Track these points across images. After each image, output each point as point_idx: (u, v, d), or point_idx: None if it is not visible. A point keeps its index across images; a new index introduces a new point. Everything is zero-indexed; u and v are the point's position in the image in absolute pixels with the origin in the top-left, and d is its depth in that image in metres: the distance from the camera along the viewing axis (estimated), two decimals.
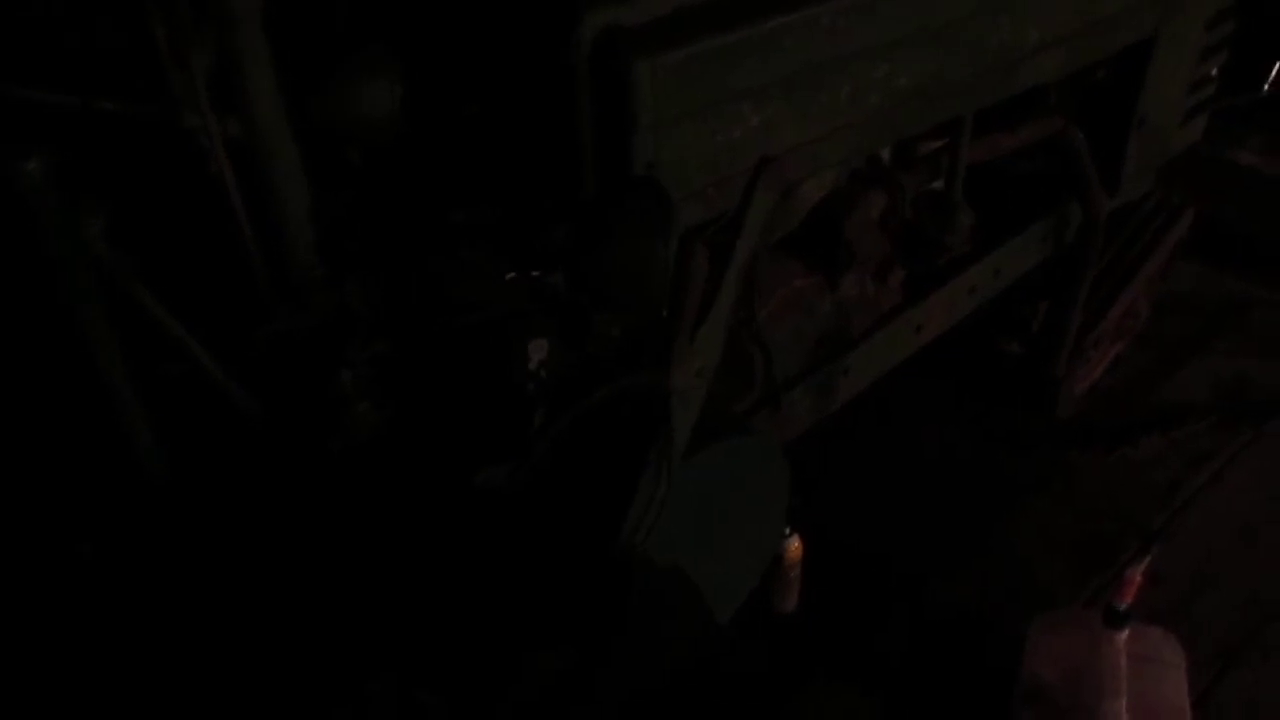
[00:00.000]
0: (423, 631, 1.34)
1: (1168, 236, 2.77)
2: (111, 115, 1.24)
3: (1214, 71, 2.56)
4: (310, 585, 1.33)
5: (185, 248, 1.33)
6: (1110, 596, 2.08)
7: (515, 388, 1.40)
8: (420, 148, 1.51)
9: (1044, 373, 2.67)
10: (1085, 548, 2.40)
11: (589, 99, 1.44)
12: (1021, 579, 2.35)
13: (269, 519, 1.34)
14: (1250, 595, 2.33)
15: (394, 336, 1.37)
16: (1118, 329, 2.81)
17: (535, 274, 1.48)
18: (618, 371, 1.37)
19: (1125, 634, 1.98)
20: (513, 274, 1.49)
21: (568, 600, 1.33)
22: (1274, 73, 3.54)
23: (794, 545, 2.20)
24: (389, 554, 1.34)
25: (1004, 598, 2.28)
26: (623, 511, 1.30)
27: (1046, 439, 2.72)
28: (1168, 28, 2.30)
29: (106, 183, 1.23)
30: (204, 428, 1.32)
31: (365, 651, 1.34)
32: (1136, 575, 2.07)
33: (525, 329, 1.42)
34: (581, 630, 1.34)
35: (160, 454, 1.26)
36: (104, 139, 1.26)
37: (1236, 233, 3.31)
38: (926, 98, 1.82)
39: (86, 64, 1.27)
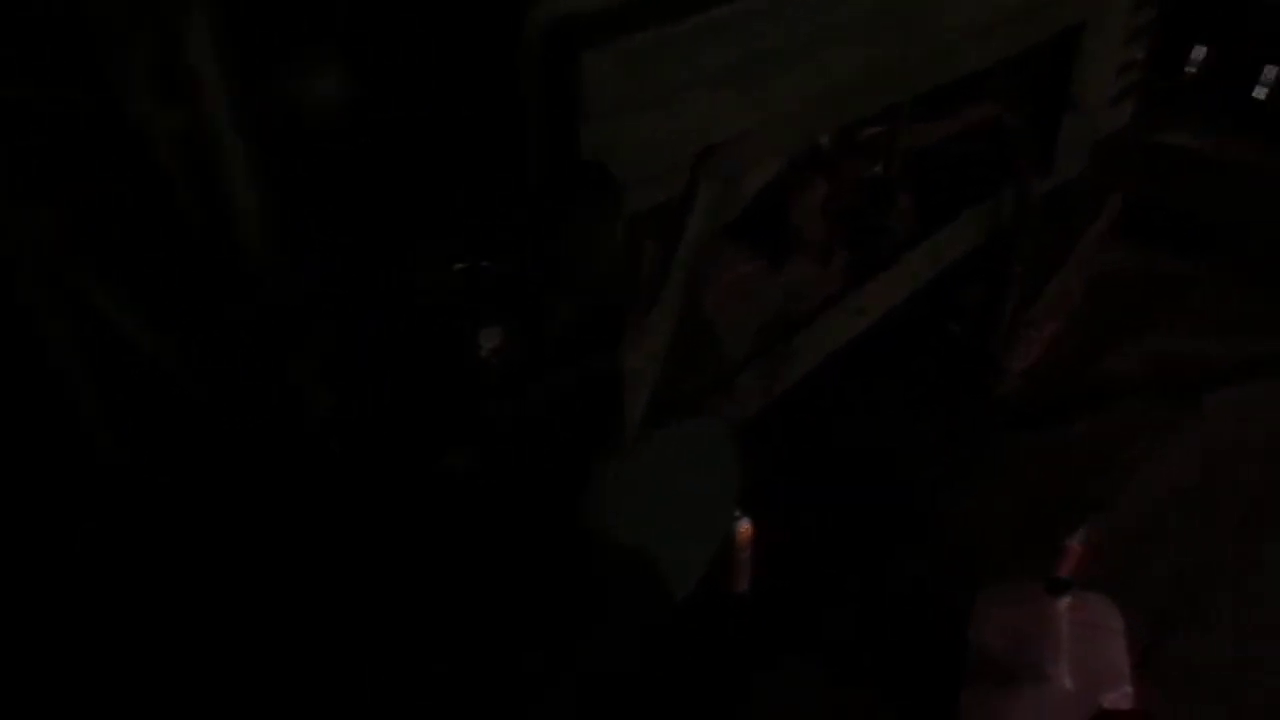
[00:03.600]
0: (388, 620, 1.35)
1: (1099, 217, 2.84)
2: (57, 107, 1.23)
3: (1140, 55, 2.63)
4: (270, 574, 1.33)
5: (135, 240, 1.32)
6: (1051, 566, 2.14)
7: (468, 375, 1.42)
8: (370, 139, 1.51)
9: (982, 354, 2.73)
10: (1027, 522, 2.45)
11: (538, 88, 1.45)
12: (967, 555, 2.39)
13: (227, 507, 1.34)
14: (1186, 563, 2.40)
15: (347, 324, 1.38)
16: (1053, 309, 2.87)
17: (485, 264, 1.50)
18: (571, 354, 1.39)
19: (1066, 601, 2.04)
20: (463, 265, 1.50)
21: (532, 580, 1.35)
22: (1195, 57, 3.65)
23: (744, 527, 2.22)
24: (350, 541, 1.34)
25: (951, 573, 2.33)
26: (579, 491, 1.32)
27: (988, 418, 2.78)
28: (1096, 12, 2.36)
29: (54, 177, 1.23)
30: (161, 416, 1.32)
31: (333, 639, 1.35)
32: (1076, 546, 2.14)
33: (476, 318, 1.43)
34: (548, 610, 1.36)
35: (118, 444, 1.26)
36: (50, 132, 1.25)
37: (1167, 212, 3.40)
38: (867, 85, 1.86)
39: (29, 58, 1.26)
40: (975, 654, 2.08)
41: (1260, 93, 3.97)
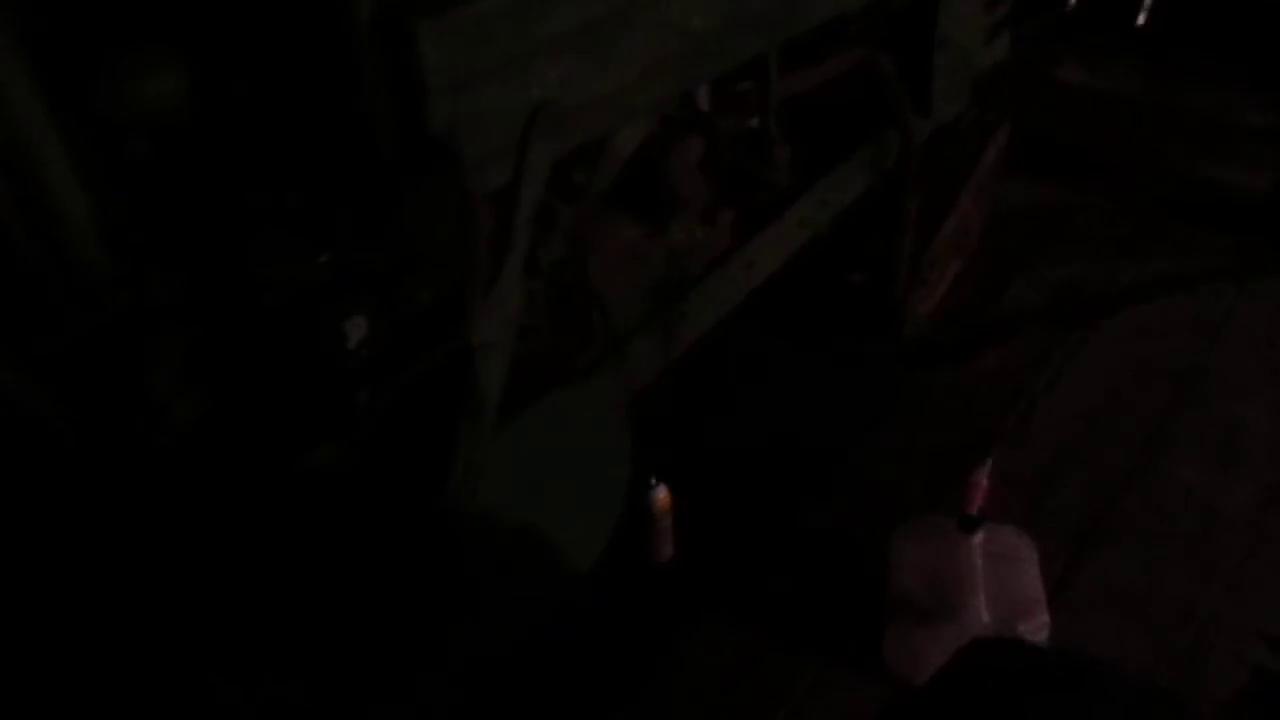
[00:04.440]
0: (265, 620, 1.32)
1: (985, 153, 2.86)
2: None
3: None
4: (143, 585, 1.30)
5: None
6: (962, 503, 2.17)
7: (336, 369, 1.39)
8: (212, 134, 1.47)
9: (885, 298, 2.75)
10: (940, 459, 2.48)
11: (377, 66, 1.41)
12: (883, 497, 2.42)
13: (96, 523, 1.30)
14: (1094, 486, 2.44)
15: (204, 326, 1.34)
16: (952, 248, 2.89)
17: (340, 253, 1.46)
18: (435, 337, 1.36)
19: (979, 537, 2.06)
20: (325, 257, 1.46)
21: (402, 571, 1.33)
22: None
23: (662, 495, 2.22)
24: (221, 546, 1.31)
25: (869, 516, 2.35)
26: (445, 473, 1.30)
27: (896, 360, 2.80)
28: None
29: None
30: (18, 443, 1.27)
31: (208, 646, 1.32)
32: (982, 479, 2.17)
33: (339, 309, 1.40)
34: (419, 600, 1.34)
35: None
36: None
37: (1054, 144, 3.45)
38: (725, 37, 1.83)
39: None
40: (894, 594, 2.10)
41: (1142, 19, 4.04)
